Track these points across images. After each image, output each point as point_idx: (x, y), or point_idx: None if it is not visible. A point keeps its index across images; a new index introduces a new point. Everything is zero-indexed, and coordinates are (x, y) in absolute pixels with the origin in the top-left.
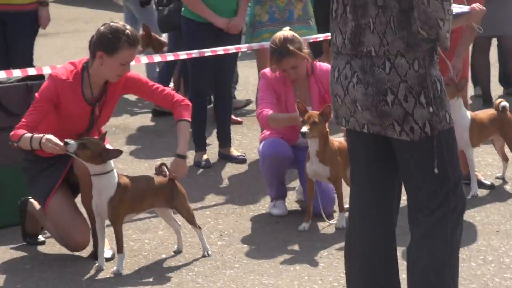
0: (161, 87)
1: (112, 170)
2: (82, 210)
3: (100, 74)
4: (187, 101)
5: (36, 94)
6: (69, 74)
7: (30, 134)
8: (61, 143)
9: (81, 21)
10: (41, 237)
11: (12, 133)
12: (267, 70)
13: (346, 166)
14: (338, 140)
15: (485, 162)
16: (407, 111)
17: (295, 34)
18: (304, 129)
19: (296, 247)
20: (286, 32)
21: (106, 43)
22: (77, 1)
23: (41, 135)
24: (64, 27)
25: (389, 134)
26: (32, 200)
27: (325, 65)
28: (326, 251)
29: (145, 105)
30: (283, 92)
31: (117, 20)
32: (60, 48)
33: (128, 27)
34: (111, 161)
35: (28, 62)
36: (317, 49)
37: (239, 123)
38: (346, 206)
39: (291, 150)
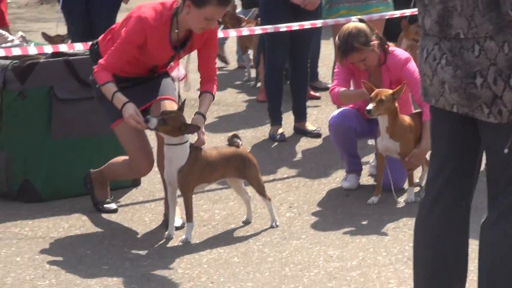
0: (215, 61)
1: (187, 141)
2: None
3: (186, 22)
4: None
5: (123, 32)
6: (159, 19)
7: (114, 89)
8: (143, 121)
9: None
10: (113, 205)
11: (96, 70)
12: None
13: (416, 143)
14: (408, 116)
15: None
16: (496, 94)
17: (361, 27)
18: (370, 106)
19: (363, 220)
20: (352, 25)
21: None
22: None
23: (124, 101)
24: None
25: (476, 115)
26: (91, 170)
27: (399, 54)
28: (393, 224)
29: (224, 80)
30: (357, 72)
31: None
32: None
33: None
34: None
35: None
36: (398, 26)
37: (318, 98)
38: (416, 181)
39: (358, 120)
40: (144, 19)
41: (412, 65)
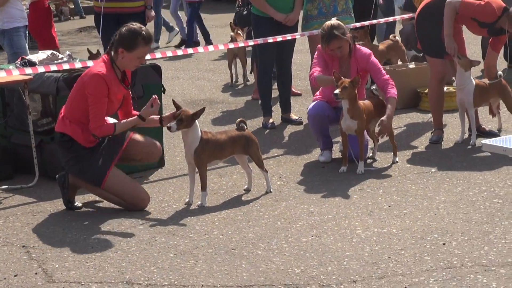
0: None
1: (196, 125)
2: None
3: (122, 66)
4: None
5: (91, 93)
6: (106, 69)
7: (122, 122)
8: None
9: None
10: (79, 203)
11: (97, 132)
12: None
13: (368, 122)
14: (362, 101)
15: (487, 119)
16: None
17: (340, 22)
18: (336, 91)
19: (336, 185)
20: (333, 21)
21: (126, 41)
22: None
23: (135, 115)
24: None
25: None
26: (70, 174)
27: (364, 49)
28: (358, 186)
29: (225, 84)
30: (330, 63)
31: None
32: (162, 43)
33: (143, 28)
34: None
35: None
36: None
37: (299, 95)
38: (370, 154)
39: (330, 110)
40: (99, 74)
41: (374, 58)
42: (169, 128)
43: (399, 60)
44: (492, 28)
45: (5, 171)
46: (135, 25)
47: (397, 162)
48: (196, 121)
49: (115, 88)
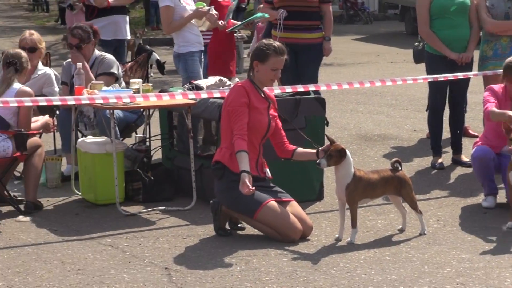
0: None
1: (348, 162)
2: None
3: (259, 81)
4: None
5: (231, 107)
6: (246, 85)
7: (243, 158)
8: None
9: (373, 55)
10: (229, 231)
11: (234, 139)
12: (494, 86)
13: None
14: None
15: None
16: None
17: None
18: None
19: (494, 232)
20: None
21: (259, 53)
22: (372, 39)
23: (242, 168)
24: (359, 59)
25: None
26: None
27: None
28: None
29: (396, 120)
30: (503, 103)
31: None
32: (352, 75)
33: (276, 42)
34: (349, 154)
35: (315, 83)
36: None
37: (476, 137)
38: None
39: (494, 154)
40: (239, 86)
41: None
42: (318, 164)
43: None
44: None
45: (165, 192)
46: (269, 40)
47: None
48: (350, 157)
49: (255, 97)
